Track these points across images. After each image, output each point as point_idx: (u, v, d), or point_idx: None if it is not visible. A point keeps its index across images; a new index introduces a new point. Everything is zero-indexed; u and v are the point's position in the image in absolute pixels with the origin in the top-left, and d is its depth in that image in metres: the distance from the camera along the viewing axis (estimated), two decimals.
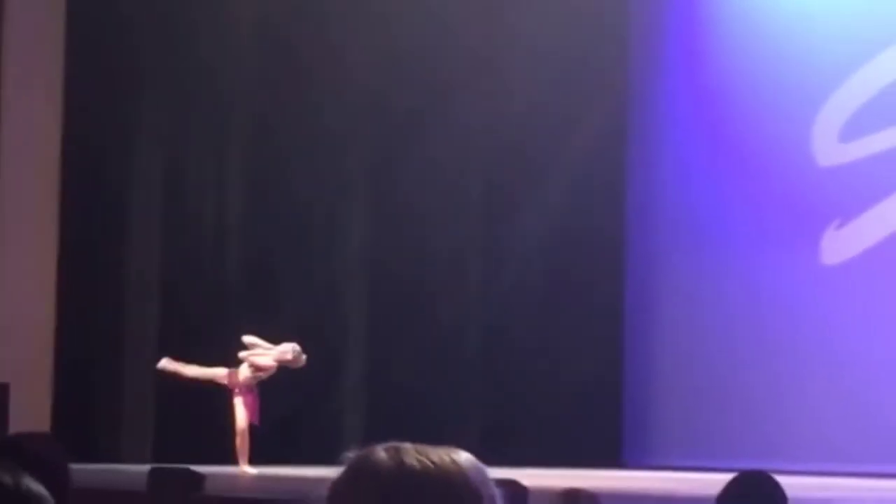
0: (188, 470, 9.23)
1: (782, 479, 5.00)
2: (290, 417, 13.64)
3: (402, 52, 14.46)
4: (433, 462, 1.70)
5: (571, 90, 14.83)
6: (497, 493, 1.74)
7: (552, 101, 14.85)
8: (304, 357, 12.25)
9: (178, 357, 12.67)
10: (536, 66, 14.76)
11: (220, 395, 13.12)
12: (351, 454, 1.75)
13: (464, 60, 14.75)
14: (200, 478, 8.84)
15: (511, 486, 7.01)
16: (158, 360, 12.91)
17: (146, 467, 9.58)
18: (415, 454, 1.71)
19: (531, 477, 8.19)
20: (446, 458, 1.72)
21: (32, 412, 12.77)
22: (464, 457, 1.74)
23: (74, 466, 3.19)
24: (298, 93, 14.33)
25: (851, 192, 14.15)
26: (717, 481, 4.88)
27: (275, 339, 12.71)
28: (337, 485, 1.74)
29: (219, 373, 12.33)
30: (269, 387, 12.66)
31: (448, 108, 14.72)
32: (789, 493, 4.78)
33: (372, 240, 14.85)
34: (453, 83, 14.68)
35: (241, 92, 14.42)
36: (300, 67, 14.31)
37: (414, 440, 1.77)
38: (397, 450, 1.72)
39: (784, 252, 14.33)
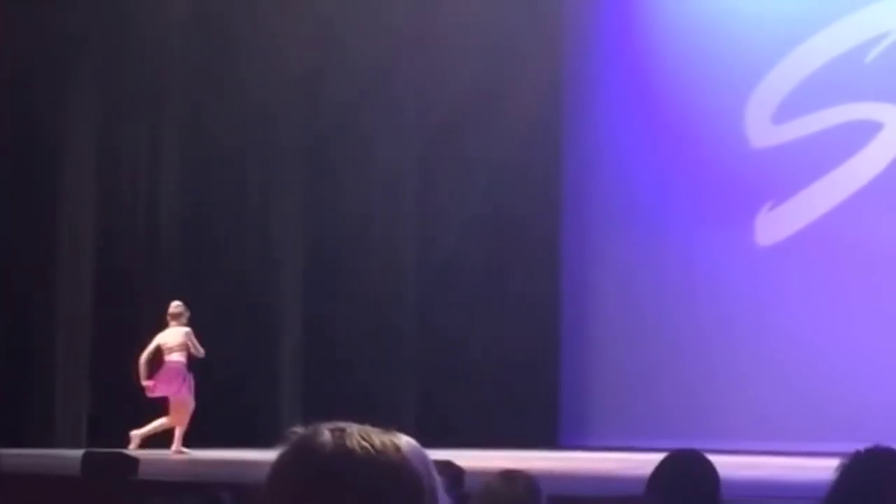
0: (122, 454, 9.17)
1: (716, 458, 5.04)
2: (222, 398, 13.58)
3: (334, 33, 14.40)
4: (375, 447, 1.69)
5: (505, 74, 14.83)
6: (439, 481, 1.73)
7: (486, 85, 14.85)
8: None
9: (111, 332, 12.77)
10: (470, 51, 14.75)
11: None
12: (295, 432, 1.74)
13: (397, 44, 14.72)
14: (134, 461, 8.79)
15: (447, 468, 7.02)
16: (93, 339, 12.88)
17: (79, 452, 9.50)
18: (358, 438, 1.70)
19: (468, 459, 8.21)
20: (389, 444, 1.71)
21: None
22: (407, 442, 1.73)
23: (6, 452, 3.16)
24: (233, 68, 14.23)
25: (785, 173, 14.26)
26: (651, 461, 4.91)
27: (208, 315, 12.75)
28: (278, 465, 1.72)
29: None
30: (200, 365, 12.64)
31: (381, 90, 14.69)
32: (721, 471, 4.82)
33: (305, 219, 14.79)
34: (387, 67, 14.65)
35: (175, 66, 14.30)
36: (234, 45, 14.23)
37: (349, 422, 1.76)
38: (341, 432, 1.71)
39: (719, 233, 14.43)
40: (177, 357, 12.50)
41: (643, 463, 5.20)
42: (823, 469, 3.63)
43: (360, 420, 1.76)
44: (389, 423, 1.79)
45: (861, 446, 3.55)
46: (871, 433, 4.21)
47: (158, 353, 12.55)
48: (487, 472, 4.32)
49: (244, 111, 14.33)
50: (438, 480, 1.73)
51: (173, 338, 12.57)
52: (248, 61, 14.25)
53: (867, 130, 13.92)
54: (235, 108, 14.25)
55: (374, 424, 1.75)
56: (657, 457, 4.90)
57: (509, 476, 4.07)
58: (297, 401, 14.27)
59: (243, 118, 14.36)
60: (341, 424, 1.73)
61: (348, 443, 1.69)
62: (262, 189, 14.76)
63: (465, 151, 15.11)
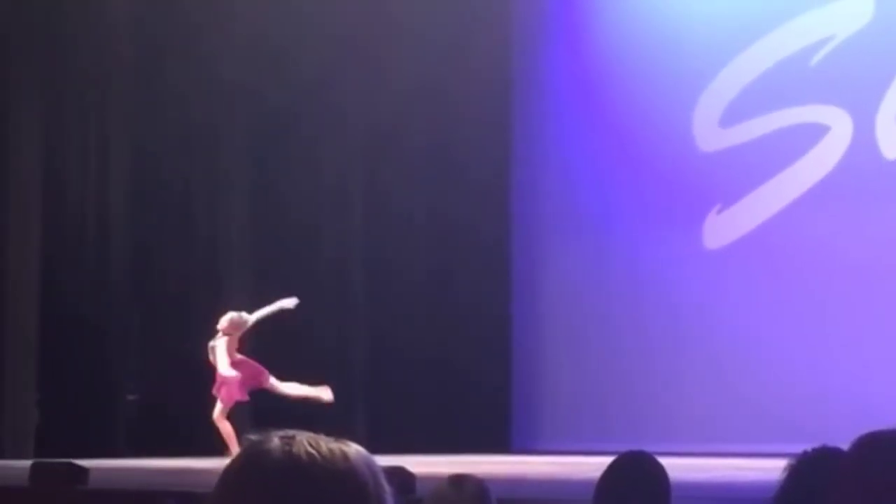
0: (71, 464, 9.11)
1: (665, 461, 5.06)
2: (174, 406, 13.52)
3: (276, 37, 14.35)
4: (322, 454, 1.70)
5: (452, 78, 14.82)
6: (388, 489, 1.73)
7: (432, 87, 14.84)
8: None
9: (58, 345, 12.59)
10: (416, 55, 14.75)
11: (106, 386, 12.99)
12: (247, 439, 1.74)
13: (342, 48, 14.68)
14: (84, 471, 8.74)
15: (399, 474, 7.02)
16: (40, 351, 12.75)
17: (28, 462, 9.43)
18: (306, 445, 1.71)
19: (419, 464, 8.21)
20: (336, 451, 1.71)
21: None
22: (355, 451, 1.73)
23: None
24: (174, 77, 14.16)
25: (733, 176, 14.34)
26: (602, 464, 4.93)
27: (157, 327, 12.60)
28: (227, 472, 1.73)
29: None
30: (154, 375, 12.56)
31: (326, 97, 14.64)
32: (671, 473, 4.84)
33: (251, 235, 14.72)
34: (331, 72, 14.60)
35: (117, 79, 14.23)
36: (172, 55, 14.17)
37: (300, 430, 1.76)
38: (290, 439, 1.72)
39: (667, 237, 14.49)
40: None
41: (593, 466, 5.22)
42: (772, 470, 3.66)
43: (311, 428, 1.76)
44: (340, 430, 1.80)
45: (808, 446, 3.58)
46: (818, 433, 4.24)
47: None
48: (439, 478, 4.33)
49: (186, 126, 14.26)
50: (387, 489, 1.73)
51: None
52: (187, 71, 14.18)
53: (813, 133, 14.02)
54: (177, 125, 14.19)
55: (325, 432, 1.76)
56: (607, 460, 4.93)
57: (458, 480, 4.08)
58: (245, 412, 14.20)
59: (186, 132, 14.29)
60: (291, 432, 1.73)
61: (295, 450, 1.69)
62: (207, 202, 14.66)
63: (411, 158, 15.11)
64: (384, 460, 1.77)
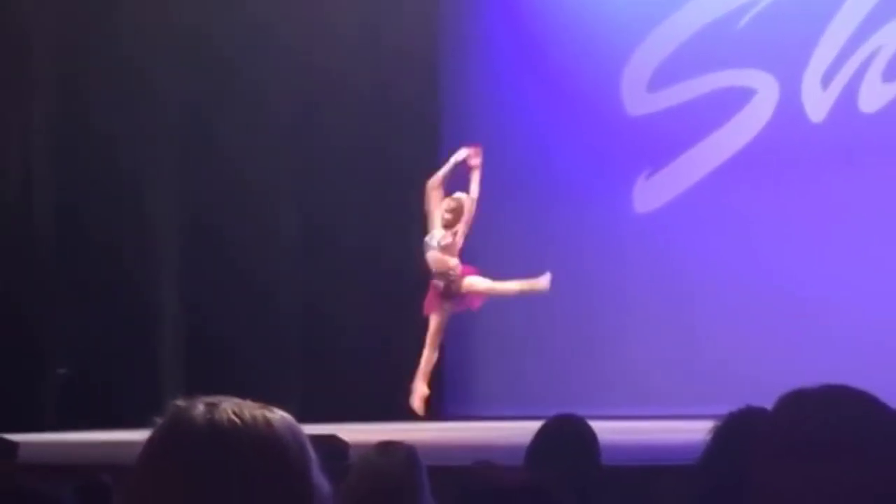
0: (0, 438, 9.01)
1: (595, 424, 5.10)
2: (100, 380, 13.44)
3: None
4: (244, 421, 1.70)
5: (380, 47, 14.75)
6: (314, 457, 1.73)
7: (357, 73, 14.69)
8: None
9: None
10: (354, 7, 14.64)
11: (33, 359, 12.87)
12: (174, 405, 1.74)
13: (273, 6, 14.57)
14: (13, 445, 8.65)
15: (332, 441, 7.02)
16: None
17: None
18: (229, 411, 1.71)
19: (352, 432, 8.21)
20: (260, 418, 1.71)
21: None
22: (281, 417, 1.73)
23: None
24: (110, 42, 14.00)
25: (660, 141, 14.40)
26: (532, 428, 4.96)
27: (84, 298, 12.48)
28: (151, 439, 1.73)
29: None
30: (78, 351, 12.45)
31: (264, 43, 14.48)
32: (601, 436, 4.88)
33: (181, 193, 14.58)
34: (265, 14, 14.43)
35: (47, 39, 14.03)
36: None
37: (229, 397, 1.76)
38: (213, 406, 1.71)
39: (598, 201, 14.54)
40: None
41: (524, 431, 5.25)
42: (701, 431, 3.69)
43: (244, 395, 1.76)
44: (274, 398, 1.79)
45: (735, 408, 3.61)
46: (747, 395, 4.27)
47: None
48: (371, 445, 4.34)
49: (119, 81, 14.07)
50: (313, 456, 1.73)
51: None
52: (122, 16, 13.98)
53: (740, 97, 14.11)
54: (110, 79, 14.00)
55: (258, 400, 1.75)
56: (538, 425, 4.95)
57: (386, 447, 4.09)
58: (179, 379, 14.15)
59: (116, 86, 14.10)
60: (217, 398, 1.73)
61: (218, 416, 1.69)
62: (134, 163, 14.48)
63: (342, 132, 15.02)
64: (318, 428, 1.77)
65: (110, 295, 13.99)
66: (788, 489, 1.91)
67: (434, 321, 12.24)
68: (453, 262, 12.09)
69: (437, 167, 15.34)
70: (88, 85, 13.99)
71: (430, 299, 12.28)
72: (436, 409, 14.68)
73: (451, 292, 12.09)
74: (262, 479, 1.66)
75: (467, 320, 15.12)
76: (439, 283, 12.11)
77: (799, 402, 1.99)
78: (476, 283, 12.13)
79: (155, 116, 14.45)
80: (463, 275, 12.14)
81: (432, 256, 12.12)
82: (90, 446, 10.95)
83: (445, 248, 12.12)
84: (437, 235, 12.19)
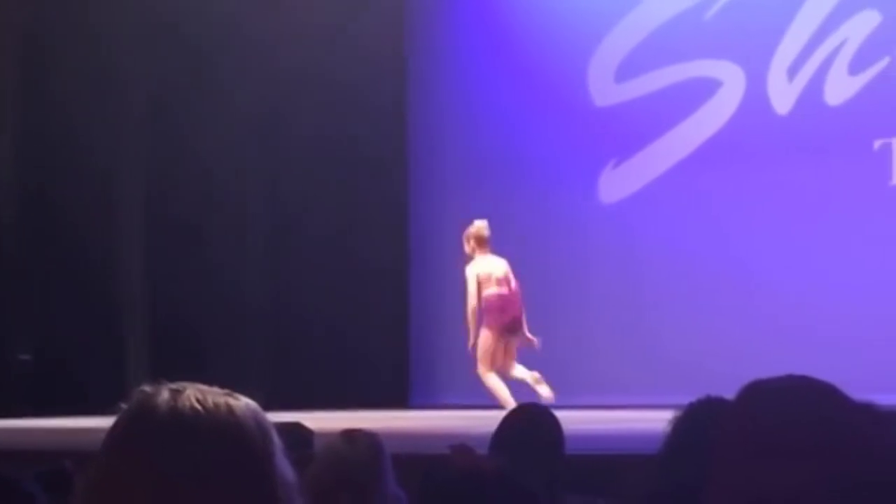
0: None
1: (559, 413, 5.12)
2: (65, 368, 13.39)
3: None
4: (206, 408, 1.70)
5: (348, 41, 14.71)
6: (278, 444, 1.73)
7: (319, 66, 14.66)
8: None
9: None
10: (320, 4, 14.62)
11: None
12: (140, 391, 1.74)
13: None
14: None
15: (296, 429, 7.02)
16: None
17: None
18: (192, 398, 1.71)
19: (319, 420, 8.21)
20: (223, 405, 1.71)
21: None
22: (245, 404, 1.73)
23: None
24: (78, 33, 13.93)
25: (627, 131, 14.43)
26: (497, 417, 4.97)
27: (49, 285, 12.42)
28: (115, 425, 1.73)
29: None
30: (41, 338, 12.38)
31: (231, 40, 14.45)
32: (565, 425, 4.90)
33: (149, 185, 14.56)
34: (237, 13, 14.39)
35: (14, 29, 13.95)
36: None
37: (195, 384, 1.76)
38: (176, 392, 1.71)
39: (563, 192, 14.56)
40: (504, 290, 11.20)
41: (489, 419, 5.26)
42: (663, 421, 3.71)
43: (209, 382, 1.76)
44: (240, 385, 1.79)
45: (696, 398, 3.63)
46: (710, 385, 4.30)
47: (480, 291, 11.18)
48: (336, 433, 4.34)
49: (87, 68, 14.01)
50: (277, 443, 1.73)
51: (499, 267, 11.27)
52: (91, 7, 13.91)
53: (707, 87, 14.14)
54: (77, 66, 13.94)
55: (224, 388, 1.75)
56: (503, 413, 4.97)
57: (350, 435, 4.10)
58: (145, 366, 14.12)
59: (85, 75, 14.04)
60: (182, 385, 1.73)
61: (181, 403, 1.69)
62: (100, 153, 14.44)
63: (310, 126, 14.98)
64: (283, 416, 1.77)
65: (76, 282, 13.94)
66: (749, 482, 1.92)
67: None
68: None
69: (405, 161, 15.37)
70: (56, 75, 13.93)
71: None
72: (403, 399, 14.72)
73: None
74: (224, 465, 1.66)
75: (431, 310, 15.14)
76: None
77: (759, 395, 1.99)
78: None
79: (122, 107, 14.40)
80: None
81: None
82: (54, 432, 10.91)
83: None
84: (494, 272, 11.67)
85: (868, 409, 2.01)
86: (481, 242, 11.39)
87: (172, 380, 1.78)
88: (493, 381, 11.14)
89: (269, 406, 1.82)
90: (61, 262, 13.93)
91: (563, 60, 14.69)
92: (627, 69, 14.45)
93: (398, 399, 14.54)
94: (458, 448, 4.50)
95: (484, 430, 5.22)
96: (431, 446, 6.90)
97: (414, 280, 15.33)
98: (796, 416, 1.93)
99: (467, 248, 11.44)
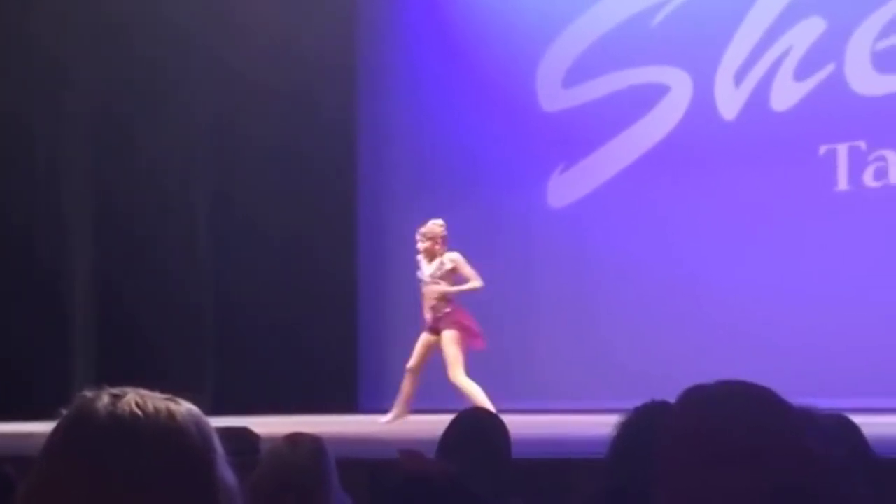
0: None
1: (507, 418, 5.13)
2: (17, 372, 13.29)
3: None
4: (146, 413, 1.69)
5: (297, 46, 14.69)
6: (220, 450, 1.73)
7: (272, 78, 14.64)
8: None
9: None
10: (268, 10, 14.60)
11: None
12: (81, 396, 1.73)
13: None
14: None
15: (242, 433, 7.00)
16: None
17: None
18: (132, 403, 1.70)
19: (265, 424, 8.18)
20: (163, 410, 1.70)
21: None
22: (187, 410, 1.72)
23: None
24: (27, 33, 13.84)
25: (575, 136, 14.47)
26: (445, 421, 4.97)
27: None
28: (55, 430, 1.72)
29: None
30: None
31: (185, 44, 14.40)
32: (512, 430, 4.91)
33: (95, 183, 14.46)
34: (188, 21, 14.34)
35: None
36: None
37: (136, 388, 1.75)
38: (116, 397, 1.71)
39: (511, 197, 14.59)
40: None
41: (436, 423, 5.26)
42: (610, 426, 3.73)
43: (156, 388, 1.75)
44: (188, 390, 1.78)
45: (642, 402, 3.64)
46: (657, 389, 4.32)
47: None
48: (277, 436, 4.33)
49: (34, 73, 13.93)
50: (218, 449, 1.73)
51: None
52: (40, 13, 13.83)
53: (654, 94, 14.21)
54: (25, 71, 13.86)
55: (171, 393, 1.75)
56: (449, 417, 4.97)
57: (293, 439, 4.09)
58: (91, 371, 14.03)
59: (33, 80, 13.96)
60: (123, 389, 1.72)
61: (120, 408, 1.69)
62: (49, 152, 14.35)
63: (259, 130, 14.95)
64: (231, 421, 1.77)
65: (22, 285, 13.85)
66: (690, 488, 1.93)
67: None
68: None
69: (354, 164, 15.37)
70: (4, 73, 13.83)
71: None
72: (351, 403, 14.71)
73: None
74: (164, 470, 1.65)
75: (380, 315, 15.14)
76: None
77: (697, 401, 2.00)
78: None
79: (71, 108, 14.32)
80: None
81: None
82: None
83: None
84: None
85: (807, 414, 2.03)
86: (444, 243, 11.37)
87: (120, 384, 1.78)
88: (468, 384, 11.16)
89: (216, 410, 1.82)
90: (7, 264, 13.84)
91: (512, 65, 14.73)
92: (575, 74, 14.50)
93: (347, 403, 14.53)
94: (407, 452, 4.50)
95: (430, 434, 5.22)
96: (380, 451, 6.91)
97: (362, 283, 15.32)
98: (734, 422, 1.94)
99: (435, 246, 11.44)
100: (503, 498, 4.49)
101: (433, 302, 11.53)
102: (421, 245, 11.67)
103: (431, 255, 11.62)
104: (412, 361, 11.62)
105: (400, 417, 11.49)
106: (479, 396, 10.91)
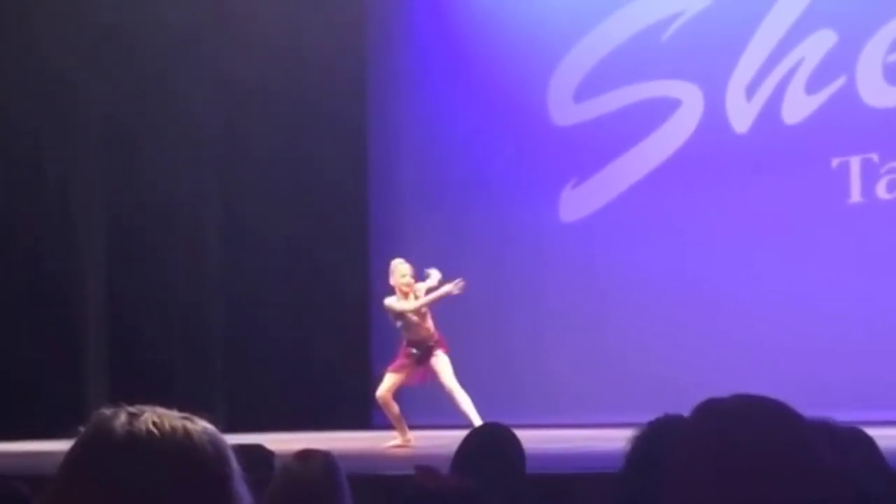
0: None
1: (521, 433, 5.12)
2: (29, 389, 13.30)
3: None
4: (162, 431, 1.69)
5: (307, 57, 14.71)
6: (235, 467, 1.73)
7: (280, 78, 14.65)
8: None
9: None
10: (279, 21, 14.62)
11: None
12: (98, 414, 1.73)
13: (210, 6, 14.49)
14: None
15: (256, 451, 7.00)
16: None
17: None
18: (149, 422, 1.70)
19: (279, 441, 8.18)
20: (179, 429, 1.71)
21: None
22: (202, 428, 1.73)
23: None
24: (32, 48, 13.86)
25: (586, 151, 14.47)
26: (459, 437, 4.97)
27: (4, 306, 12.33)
28: (73, 448, 1.73)
29: None
30: (3, 355, 12.27)
31: (189, 51, 14.42)
32: (526, 445, 4.90)
33: (106, 200, 14.46)
34: (194, 29, 14.37)
35: None
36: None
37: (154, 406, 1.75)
38: (133, 416, 1.71)
39: (524, 210, 14.59)
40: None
41: (450, 439, 5.26)
42: (623, 440, 3.72)
43: (170, 405, 1.76)
44: (201, 407, 1.79)
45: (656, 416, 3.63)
46: (670, 403, 4.32)
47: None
48: (291, 453, 4.33)
49: (41, 87, 13.94)
50: (234, 467, 1.73)
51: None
52: (45, 23, 13.86)
53: (665, 108, 14.20)
54: (31, 84, 13.87)
55: (184, 410, 1.75)
56: (464, 433, 4.97)
57: (304, 456, 4.09)
58: (102, 388, 14.03)
59: (40, 93, 13.97)
60: (140, 408, 1.73)
61: (137, 427, 1.69)
62: (59, 169, 14.36)
63: (268, 139, 14.97)
64: (245, 438, 1.77)
65: (34, 303, 13.86)
66: (705, 502, 1.92)
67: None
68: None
69: (365, 179, 15.38)
70: (11, 90, 13.86)
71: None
72: (365, 420, 14.69)
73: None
74: (180, 489, 1.66)
75: (393, 330, 15.13)
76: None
77: (711, 415, 1.99)
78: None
79: (79, 124, 14.33)
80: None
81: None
82: (7, 456, 10.82)
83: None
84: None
85: (823, 427, 2.02)
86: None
87: (132, 402, 1.78)
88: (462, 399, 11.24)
89: (230, 428, 1.82)
90: (19, 282, 13.85)
91: (523, 80, 14.73)
92: (587, 89, 14.50)
93: (361, 419, 14.51)
94: (423, 468, 4.49)
95: (444, 449, 5.21)
96: (394, 467, 6.90)
97: (375, 298, 15.30)
98: (749, 437, 1.93)
99: (408, 286, 11.47)
100: None
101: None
102: (409, 285, 11.72)
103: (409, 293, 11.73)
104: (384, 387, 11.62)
105: (404, 437, 11.52)
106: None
